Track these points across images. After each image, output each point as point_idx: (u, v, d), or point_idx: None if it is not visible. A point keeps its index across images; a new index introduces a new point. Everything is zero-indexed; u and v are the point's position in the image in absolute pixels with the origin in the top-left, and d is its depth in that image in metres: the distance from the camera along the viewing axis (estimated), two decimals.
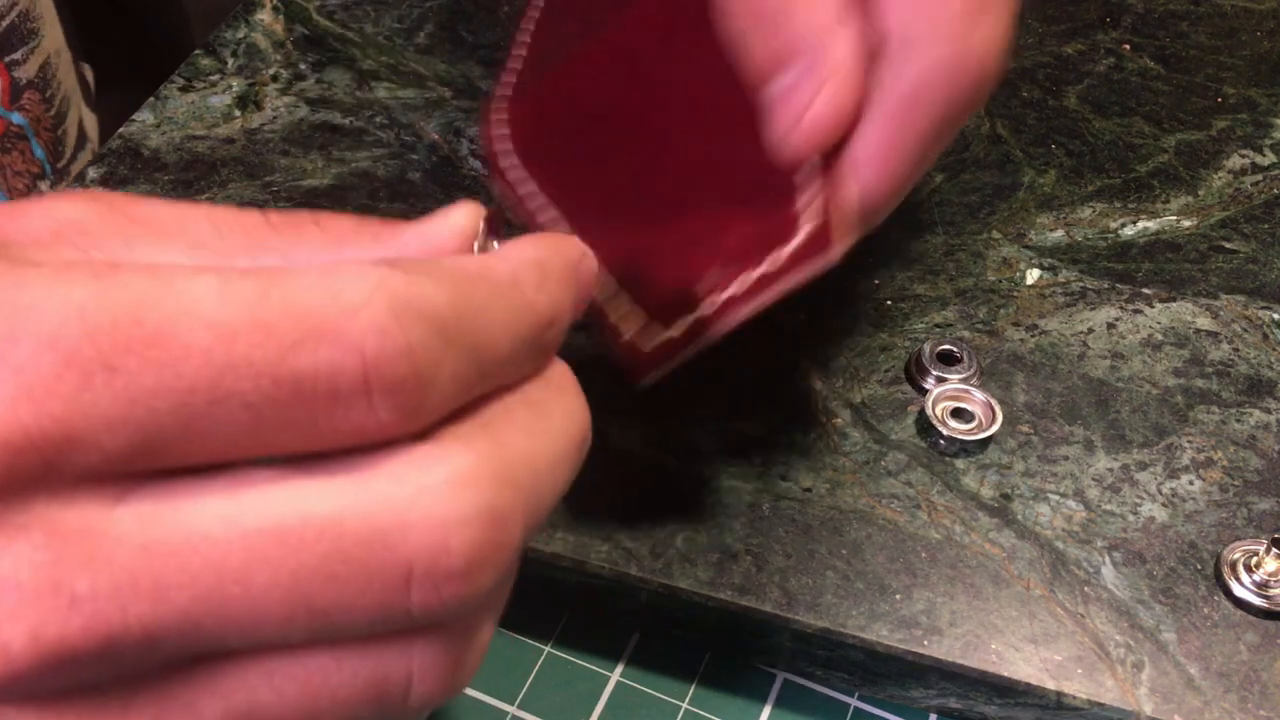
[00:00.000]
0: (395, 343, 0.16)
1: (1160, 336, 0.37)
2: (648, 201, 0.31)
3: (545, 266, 0.20)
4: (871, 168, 0.26)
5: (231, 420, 0.16)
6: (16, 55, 0.45)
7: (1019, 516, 0.32)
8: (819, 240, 0.27)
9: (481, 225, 0.20)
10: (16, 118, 0.46)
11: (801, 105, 0.26)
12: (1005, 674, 0.29)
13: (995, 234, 0.40)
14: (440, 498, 0.17)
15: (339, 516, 0.16)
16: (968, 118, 0.28)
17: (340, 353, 0.16)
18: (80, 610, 0.16)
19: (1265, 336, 0.37)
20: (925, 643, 0.29)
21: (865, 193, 0.27)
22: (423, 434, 0.17)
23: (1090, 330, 0.37)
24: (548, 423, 0.19)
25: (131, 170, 0.40)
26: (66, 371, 0.16)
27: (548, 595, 0.32)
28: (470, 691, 0.30)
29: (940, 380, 0.35)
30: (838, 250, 0.28)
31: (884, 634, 0.29)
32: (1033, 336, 0.37)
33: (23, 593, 0.16)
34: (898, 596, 0.30)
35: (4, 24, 0.44)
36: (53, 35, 0.47)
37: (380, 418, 0.17)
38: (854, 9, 0.26)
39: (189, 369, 0.16)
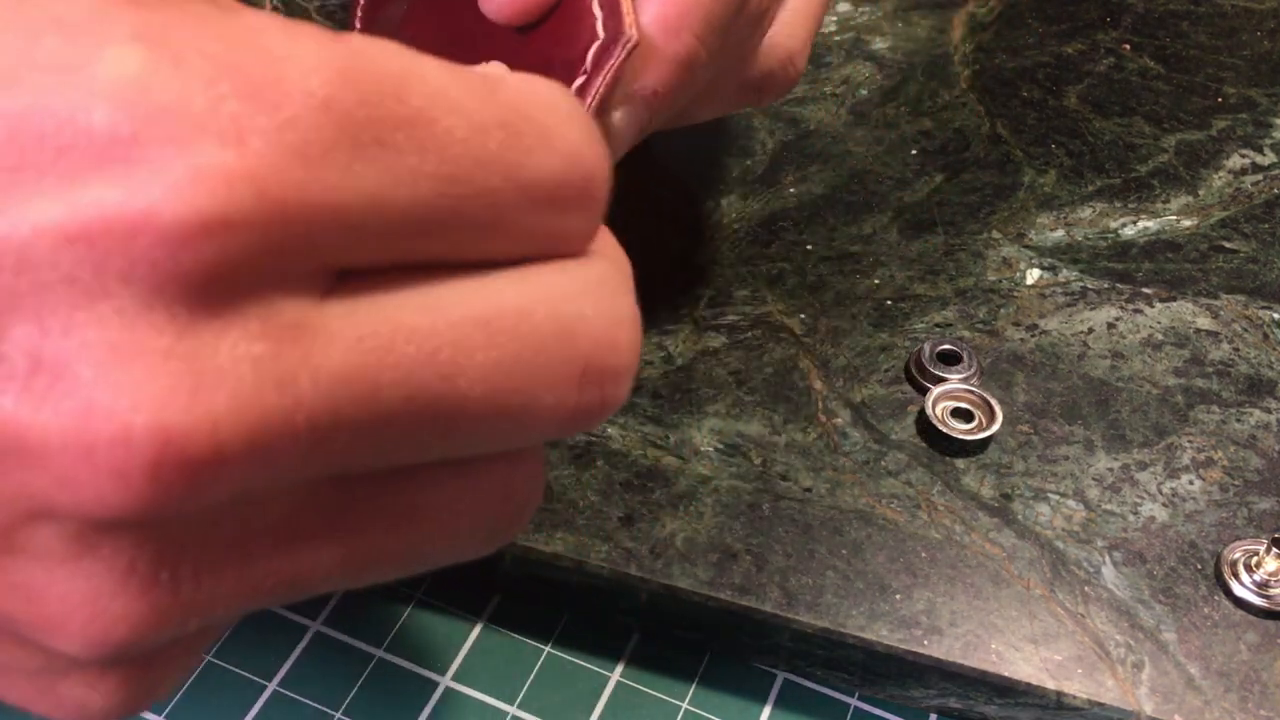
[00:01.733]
0: (602, 161, 0.17)
1: (1160, 336, 0.37)
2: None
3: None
4: None
5: (474, 215, 0.16)
6: None
7: (1019, 516, 0.32)
8: (615, 29, 0.27)
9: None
10: None
11: None
12: (1005, 674, 0.29)
13: (995, 234, 0.40)
14: (605, 295, 0.17)
15: (529, 307, 0.16)
16: None
17: (565, 164, 0.16)
18: (303, 411, 0.14)
19: (1265, 336, 0.37)
20: (925, 643, 0.29)
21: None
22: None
23: (1090, 330, 0.37)
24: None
25: None
26: (341, 138, 0.14)
27: (548, 595, 0.32)
28: (470, 691, 0.30)
29: (940, 380, 0.35)
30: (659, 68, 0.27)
31: (884, 634, 0.29)
32: (1033, 336, 0.37)
33: (244, 387, 0.14)
34: (898, 596, 0.30)
35: None
36: None
37: (578, 228, 0.17)
38: None
39: (452, 155, 0.15)
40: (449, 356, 0.15)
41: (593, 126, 0.17)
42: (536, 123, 0.16)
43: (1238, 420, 0.35)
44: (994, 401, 0.34)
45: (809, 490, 0.32)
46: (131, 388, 0.13)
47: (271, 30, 0.14)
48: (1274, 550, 0.30)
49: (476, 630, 0.32)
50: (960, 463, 0.33)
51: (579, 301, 0.17)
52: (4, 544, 0.15)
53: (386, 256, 0.15)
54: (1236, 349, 0.37)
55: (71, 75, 0.14)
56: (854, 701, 0.31)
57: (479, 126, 0.16)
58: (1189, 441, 0.34)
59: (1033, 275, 0.39)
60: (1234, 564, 0.31)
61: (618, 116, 0.27)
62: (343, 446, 0.15)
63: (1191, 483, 0.33)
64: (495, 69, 0.18)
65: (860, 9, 0.50)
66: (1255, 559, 0.31)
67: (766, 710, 0.31)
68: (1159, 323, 0.38)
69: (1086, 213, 0.41)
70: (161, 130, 0.13)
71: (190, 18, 0.14)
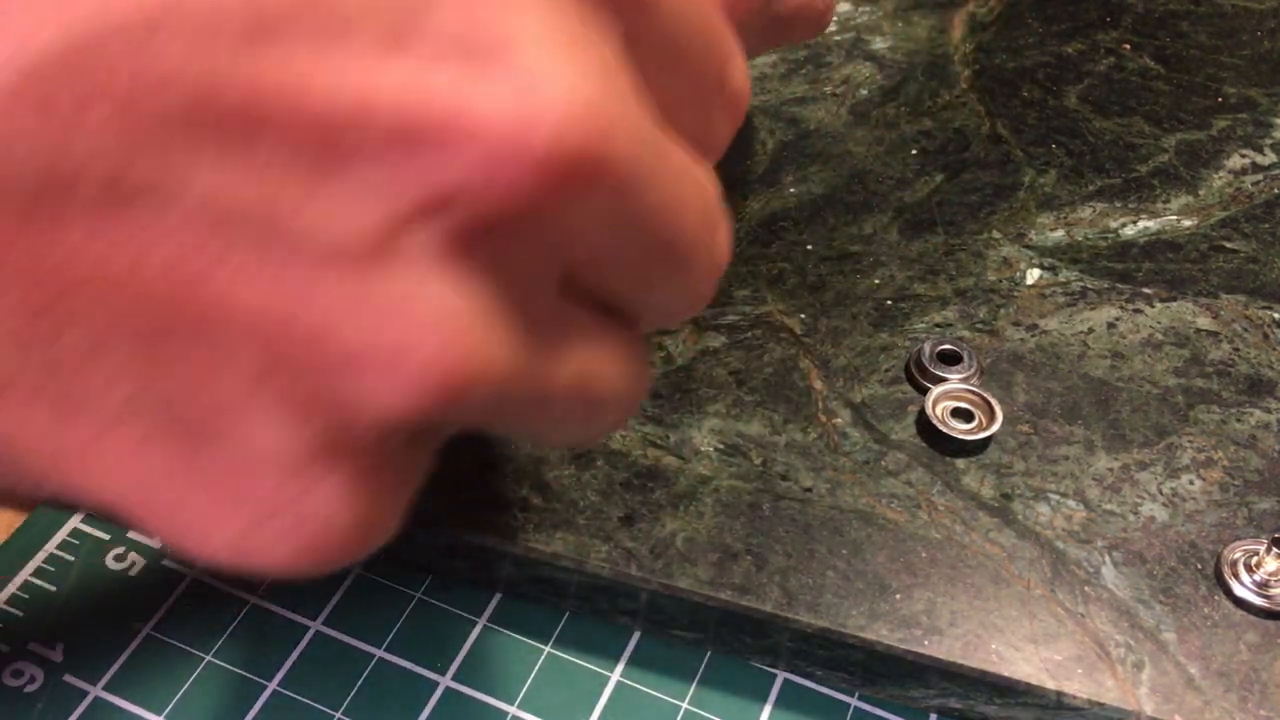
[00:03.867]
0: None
1: (1160, 336, 0.37)
2: None
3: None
4: None
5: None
6: None
7: (1019, 516, 0.32)
8: None
9: None
10: None
11: None
12: (1005, 674, 0.29)
13: (995, 234, 0.40)
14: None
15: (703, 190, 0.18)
16: None
17: (717, 262, 0.18)
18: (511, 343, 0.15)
19: (1265, 336, 0.37)
20: (925, 642, 0.29)
21: None
22: None
23: (1090, 330, 0.37)
24: None
25: None
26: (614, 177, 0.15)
27: (548, 595, 0.32)
28: (470, 691, 0.30)
29: (940, 380, 0.35)
30: None
31: (884, 634, 0.29)
32: (1033, 336, 0.37)
33: (635, 105, 0.15)
34: (898, 596, 0.30)
35: None
36: None
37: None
38: None
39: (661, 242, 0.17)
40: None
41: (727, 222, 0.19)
42: (703, 246, 0.18)
43: (1238, 420, 0.35)
44: (994, 401, 0.34)
45: (809, 490, 0.32)
46: (575, 68, 0.14)
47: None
48: (1274, 550, 0.30)
49: (476, 630, 0.32)
50: (960, 463, 0.33)
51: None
52: (384, 248, 0.14)
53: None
54: (1236, 349, 0.37)
55: None
56: (854, 701, 0.31)
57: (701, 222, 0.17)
58: (1189, 441, 0.34)
59: (1033, 275, 0.39)
60: (1234, 564, 0.31)
61: None
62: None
63: (1191, 483, 0.33)
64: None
65: (860, 9, 0.50)
66: (1255, 559, 0.31)
67: (766, 710, 0.31)
68: (1159, 323, 0.38)
69: (1086, 213, 0.41)
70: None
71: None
